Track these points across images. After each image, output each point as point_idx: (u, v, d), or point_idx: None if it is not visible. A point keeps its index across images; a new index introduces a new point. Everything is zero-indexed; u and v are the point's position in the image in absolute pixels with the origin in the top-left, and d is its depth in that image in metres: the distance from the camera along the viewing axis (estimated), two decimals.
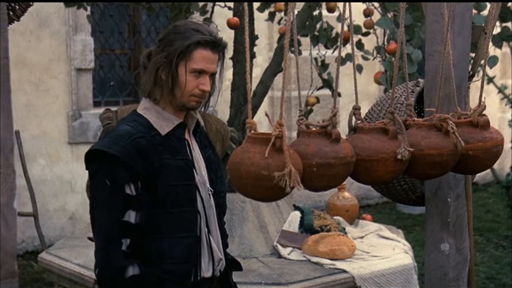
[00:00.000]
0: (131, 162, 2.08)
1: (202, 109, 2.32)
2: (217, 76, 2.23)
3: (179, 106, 2.18)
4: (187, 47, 2.12)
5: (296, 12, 4.48)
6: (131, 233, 2.10)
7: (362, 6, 4.31)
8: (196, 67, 2.13)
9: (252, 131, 1.56)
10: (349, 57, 4.40)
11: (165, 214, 2.15)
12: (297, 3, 4.64)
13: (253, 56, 4.61)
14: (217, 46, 2.17)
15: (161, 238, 2.15)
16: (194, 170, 2.20)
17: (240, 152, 1.55)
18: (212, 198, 2.25)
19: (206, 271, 2.21)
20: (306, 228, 3.93)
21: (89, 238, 3.26)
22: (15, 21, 2.47)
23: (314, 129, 1.66)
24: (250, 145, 1.54)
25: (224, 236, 2.32)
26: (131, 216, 2.10)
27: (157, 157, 2.12)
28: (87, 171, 2.22)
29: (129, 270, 2.09)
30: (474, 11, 3.23)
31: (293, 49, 2.05)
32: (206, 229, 2.21)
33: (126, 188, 2.09)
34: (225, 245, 2.33)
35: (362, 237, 4.04)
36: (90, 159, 2.16)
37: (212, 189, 2.25)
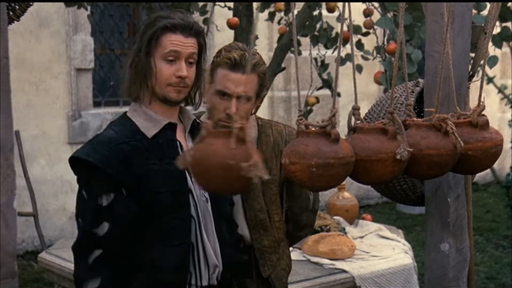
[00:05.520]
0: (110, 171, 2.00)
1: (191, 106, 2.20)
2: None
3: (161, 99, 2.08)
4: (154, 33, 2.04)
5: (296, 12, 4.48)
6: (100, 245, 2.01)
7: (362, 6, 4.31)
8: (166, 51, 2.03)
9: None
10: (349, 57, 4.39)
11: (153, 222, 2.05)
12: (297, 3, 4.64)
13: None
14: (189, 29, 2.06)
15: (151, 247, 2.05)
16: (186, 173, 2.07)
17: (202, 146, 1.56)
18: (209, 203, 2.14)
19: (204, 279, 2.11)
20: None
21: None
22: (15, 21, 2.48)
23: (313, 129, 1.66)
24: (213, 139, 1.57)
25: (224, 243, 2.18)
26: (104, 228, 2.01)
27: (141, 163, 2.03)
28: None
29: (88, 283, 2.01)
30: (474, 11, 3.23)
31: (293, 49, 2.05)
32: (203, 234, 2.10)
33: (102, 198, 2.01)
34: (229, 252, 2.20)
35: (362, 237, 4.04)
36: (72, 166, 2.09)
37: (207, 194, 2.13)
